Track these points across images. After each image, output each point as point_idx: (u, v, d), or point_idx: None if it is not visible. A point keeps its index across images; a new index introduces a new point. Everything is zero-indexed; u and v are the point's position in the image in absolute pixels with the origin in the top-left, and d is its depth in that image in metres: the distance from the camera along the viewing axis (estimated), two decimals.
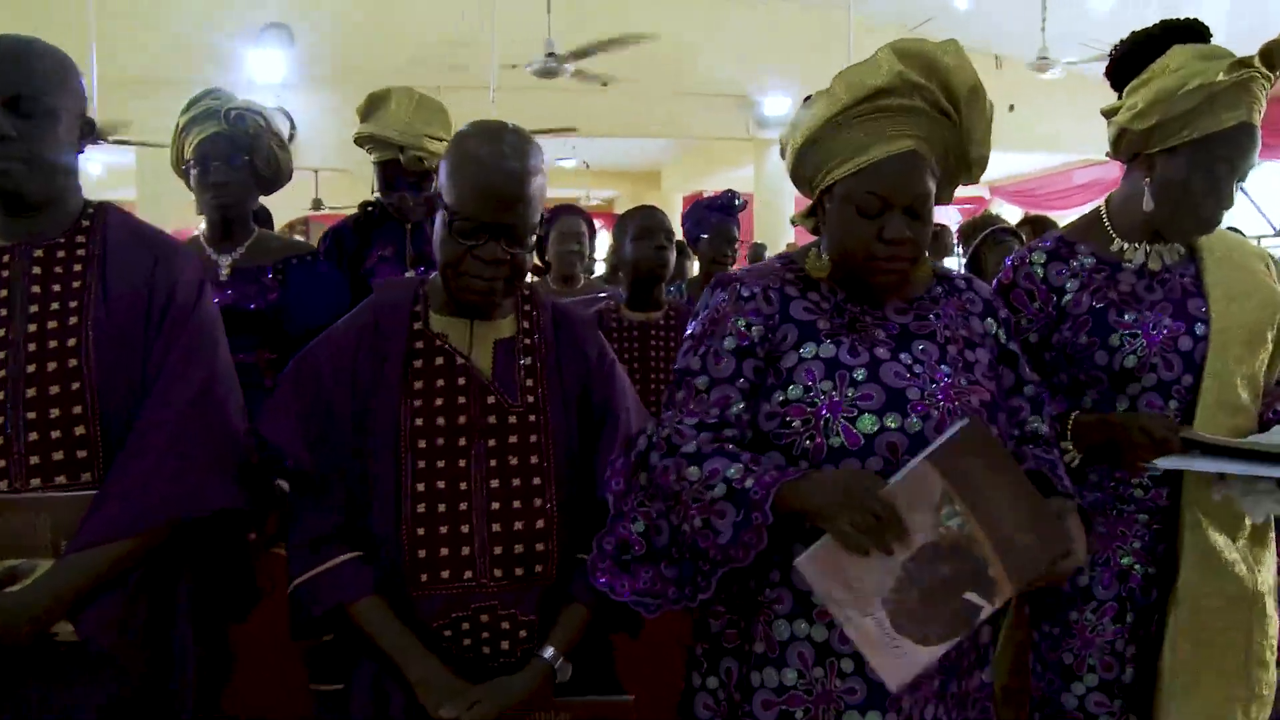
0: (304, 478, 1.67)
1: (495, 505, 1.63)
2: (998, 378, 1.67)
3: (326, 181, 12.14)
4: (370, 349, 1.70)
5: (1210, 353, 1.89)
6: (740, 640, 1.63)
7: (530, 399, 1.69)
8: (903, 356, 1.60)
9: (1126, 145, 1.94)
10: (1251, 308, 1.93)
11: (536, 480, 1.65)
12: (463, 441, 1.65)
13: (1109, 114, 1.96)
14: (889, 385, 1.55)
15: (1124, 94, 1.94)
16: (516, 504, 1.64)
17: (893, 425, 1.53)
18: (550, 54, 7.58)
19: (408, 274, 2.74)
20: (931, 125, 1.57)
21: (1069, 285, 1.96)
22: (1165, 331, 1.90)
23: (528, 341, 1.74)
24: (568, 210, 4.07)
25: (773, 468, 1.52)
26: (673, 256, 3.23)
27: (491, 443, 1.66)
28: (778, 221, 10.85)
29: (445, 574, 1.61)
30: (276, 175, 2.69)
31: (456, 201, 1.62)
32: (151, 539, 1.61)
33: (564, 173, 14.23)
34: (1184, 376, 1.90)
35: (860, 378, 1.56)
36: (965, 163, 1.63)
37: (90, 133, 1.74)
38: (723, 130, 10.81)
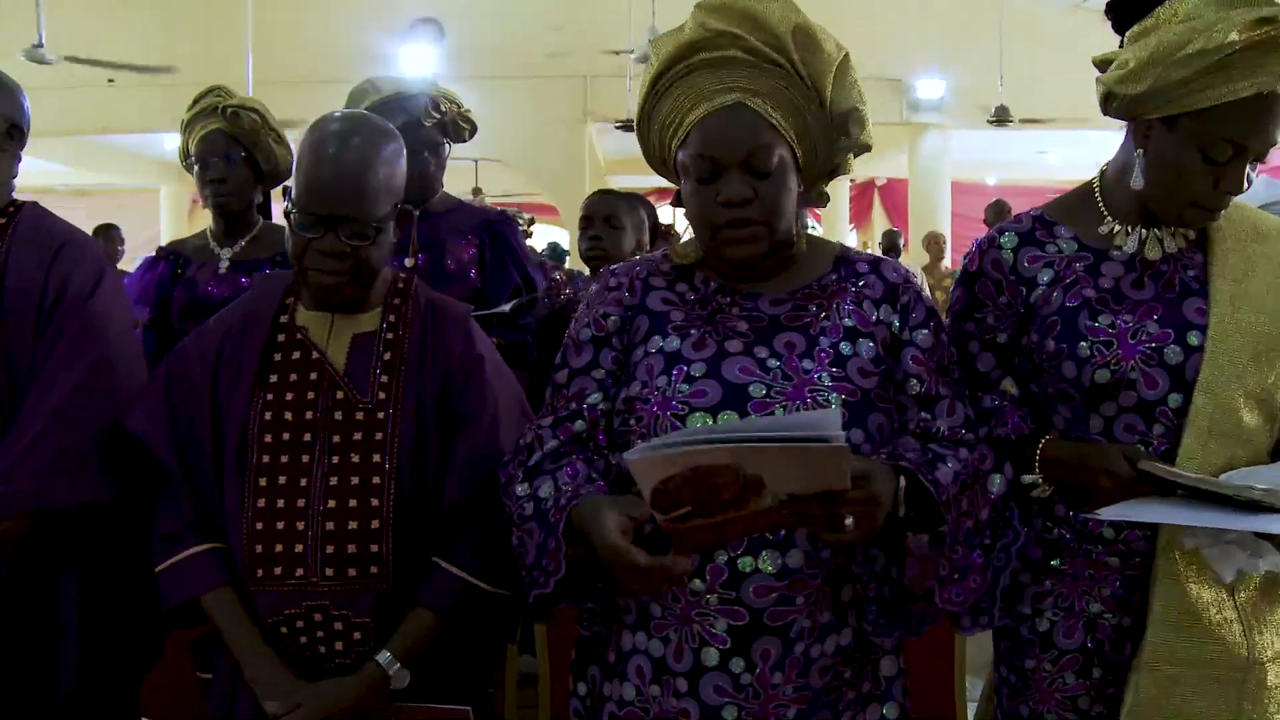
0: (165, 469, 1.69)
1: (331, 503, 1.60)
2: (887, 372, 1.49)
3: (485, 170, 12.42)
4: (236, 341, 1.70)
5: (1205, 366, 1.53)
6: (601, 647, 1.55)
7: (382, 396, 1.66)
8: (758, 350, 1.46)
9: (1117, 108, 1.57)
10: (1267, 310, 1.56)
11: (376, 480, 1.61)
12: (308, 436, 1.63)
13: (1100, 66, 1.60)
14: (729, 381, 1.43)
15: (1124, 41, 1.58)
16: (353, 503, 1.60)
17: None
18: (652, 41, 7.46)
19: (407, 261, 2.74)
20: (762, 77, 1.43)
21: (1041, 276, 1.61)
22: (1147, 339, 1.55)
23: (390, 336, 1.70)
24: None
25: (584, 483, 1.43)
26: (618, 244, 3.00)
27: (336, 439, 1.63)
28: (932, 210, 10.43)
29: (278, 570, 1.60)
30: (276, 171, 2.75)
31: (296, 192, 1.60)
32: (15, 528, 1.66)
33: None
34: (1171, 395, 1.54)
35: (698, 373, 1.44)
36: (830, 117, 1.46)
37: (17, 136, 1.81)
38: (874, 115, 10.38)
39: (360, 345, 1.69)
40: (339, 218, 1.58)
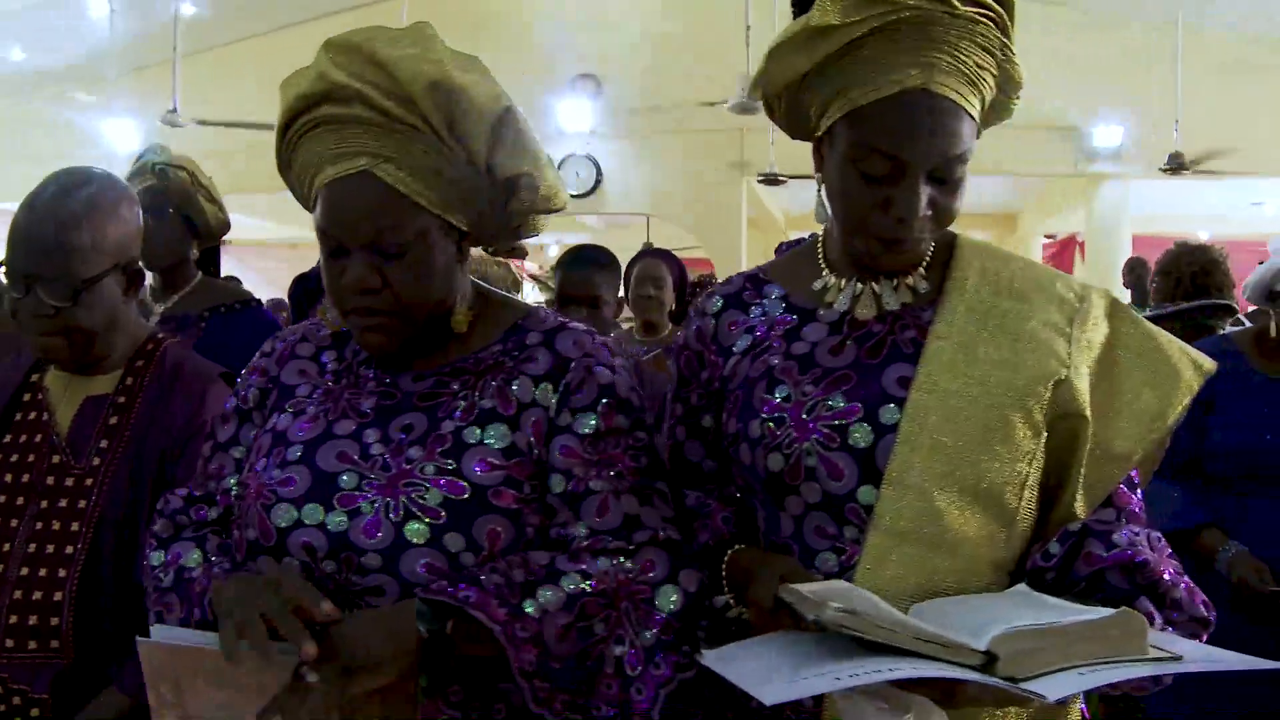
0: None
1: (24, 571, 1.55)
2: (532, 466, 1.25)
3: (655, 226, 12.43)
4: None
5: (896, 448, 1.20)
6: None
7: (96, 461, 1.59)
8: (369, 433, 1.27)
9: (783, 123, 1.32)
10: (994, 380, 1.22)
11: (69, 549, 1.55)
12: (20, 500, 1.59)
13: None
14: (321, 469, 1.24)
15: None
16: (42, 572, 1.54)
17: (311, 521, 1.22)
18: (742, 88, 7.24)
19: None
20: (393, 138, 1.21)
21: (739, 344, 1.34)
22: (828, 416, 1.23)
23: (120, 400, 1.64)
24: (650, 253, 3.90)
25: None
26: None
27: (44, 504, 1.58)
28: (1109, 266, 9.59)
29: None
30: (209, 228, 2.78)
31: (6, 247, 1.58)
32: None
33: None
34: (862, 489, 1.22)
35: (294, 457, 1.26)
36: (493, 182, 1.25)
37: None
38: (1046, 166, 9.78)
39: (89, 408, 1.64)
40: (36, 276, 1.54)
